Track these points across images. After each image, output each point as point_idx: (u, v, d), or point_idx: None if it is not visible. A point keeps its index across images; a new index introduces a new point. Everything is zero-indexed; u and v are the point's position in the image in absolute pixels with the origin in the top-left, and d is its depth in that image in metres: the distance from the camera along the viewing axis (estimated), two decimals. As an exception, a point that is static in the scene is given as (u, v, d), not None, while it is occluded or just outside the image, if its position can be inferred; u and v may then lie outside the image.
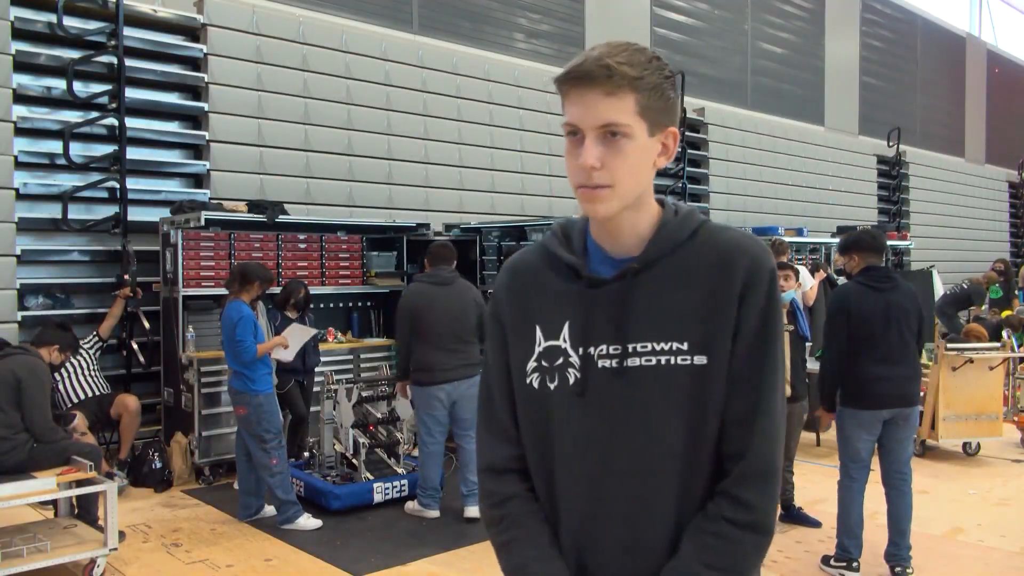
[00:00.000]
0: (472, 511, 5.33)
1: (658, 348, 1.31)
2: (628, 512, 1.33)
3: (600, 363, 1.33)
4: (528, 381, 1.39)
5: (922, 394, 6.86)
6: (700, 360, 1.30)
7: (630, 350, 1.32)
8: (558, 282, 1.40)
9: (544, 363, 1.38)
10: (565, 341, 1.36)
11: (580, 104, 1.27)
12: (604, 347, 1.33)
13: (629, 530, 1.34)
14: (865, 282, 4.37)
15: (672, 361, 1.30)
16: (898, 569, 4.29)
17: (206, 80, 7.52)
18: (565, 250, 1.41)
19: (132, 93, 7.03)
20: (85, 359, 6.29)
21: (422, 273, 5.62)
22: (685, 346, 1.30)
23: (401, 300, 5.47)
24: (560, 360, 1.36)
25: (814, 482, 5.90)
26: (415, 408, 5.51)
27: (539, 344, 1.39)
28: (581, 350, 1.35)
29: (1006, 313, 10.51)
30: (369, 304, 8.02)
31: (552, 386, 1.37)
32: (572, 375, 1.35)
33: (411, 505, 5.53)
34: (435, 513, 5.41)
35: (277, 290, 6.58)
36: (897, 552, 4.31)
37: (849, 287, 4.49)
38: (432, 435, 5.37)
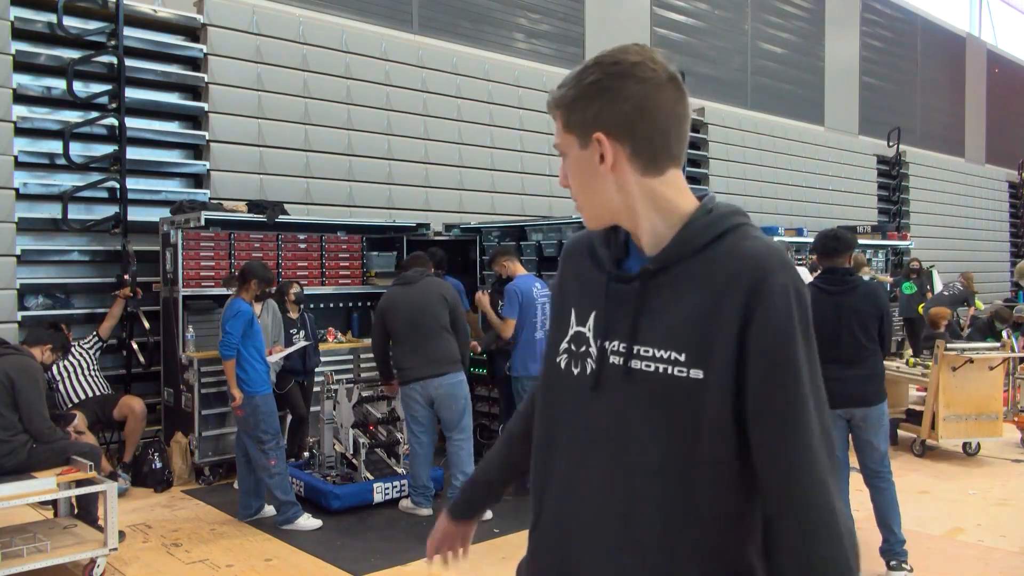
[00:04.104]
0: None
1: (658, 355, 1.26)
2: (604, 523, 1.30)
3: (612, 359, 1.33)
4: (557, 360, 1.42)
5: (922, 394, 6.93)
6: (696, 373, 1.23)
7: (635, 352, 1.30)
8: (593, 271, 1.42)
9: (572, 347, 1.40)
10: (590, 330, 1.38)
11: None
12: (616, 343, 1.33)
13: (610, 531, 1.30)
14: (818, 284, 4.44)
15: (669, 371, 1.25)
16: (893, 563, 4.33)
17: (206, 80, 7.52)
18: (602, 242, 1.43)
19: (132, 93, 7.03)
20: (85, 359, 6.29)
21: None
22: (683, 357, 1.24)
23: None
24: (584, 348, 1.38)
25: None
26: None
27: (572, 327, 1.41)
28: (599, 342, 1.35)
29: (921, 307, 10.98)
30: (369, 304, 8.00)
31: (575, 371, 1.38)
32: (590, 365, 1.36)
33: (404, 503, 5.58)
34: (427, 511, 5.44)
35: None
36: (890, 548, 4.36)
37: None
38: (414, 434, 5.44)
